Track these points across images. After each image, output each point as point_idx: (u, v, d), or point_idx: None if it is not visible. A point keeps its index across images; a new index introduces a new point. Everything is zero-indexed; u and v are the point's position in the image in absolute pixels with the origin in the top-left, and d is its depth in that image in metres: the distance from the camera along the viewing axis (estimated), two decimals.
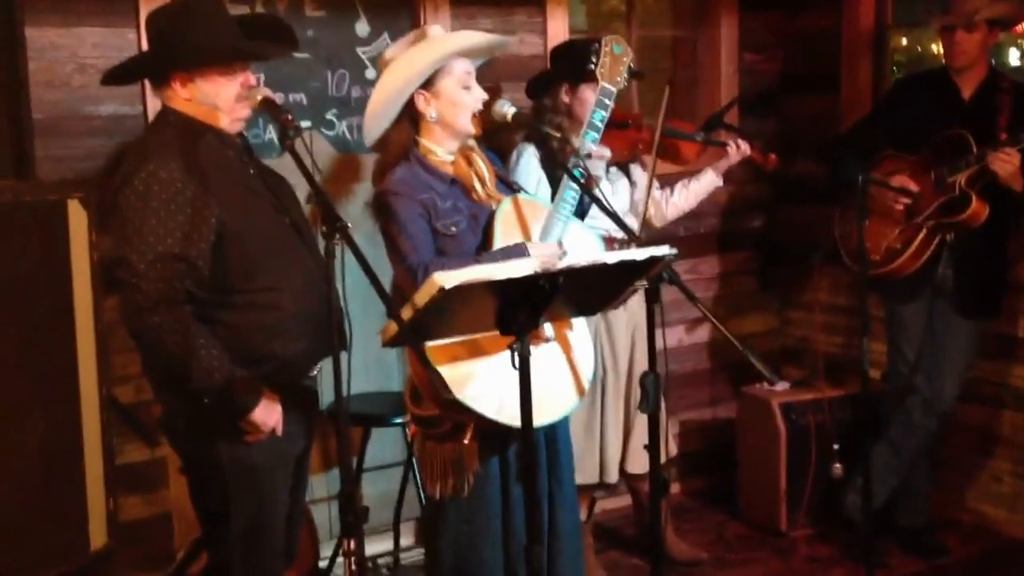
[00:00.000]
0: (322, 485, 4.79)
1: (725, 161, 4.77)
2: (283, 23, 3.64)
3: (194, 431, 3.38)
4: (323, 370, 3.59)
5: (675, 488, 5.69)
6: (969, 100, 4.83)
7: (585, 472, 4.56)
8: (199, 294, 3.22)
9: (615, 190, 4.67)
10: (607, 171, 4.62)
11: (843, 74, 5.82)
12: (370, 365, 4.79)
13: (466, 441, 3.48)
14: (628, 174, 4.78)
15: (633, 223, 4.64)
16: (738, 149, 4.73)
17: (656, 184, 4.83)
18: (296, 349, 3.38)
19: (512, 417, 3.36)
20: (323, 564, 4.63)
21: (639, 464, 4.67)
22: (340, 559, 4.47)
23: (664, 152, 4.67)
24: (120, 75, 3.53)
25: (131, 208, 3.18)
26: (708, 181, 4.83)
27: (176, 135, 3.31)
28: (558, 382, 3.57)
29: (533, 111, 4.62)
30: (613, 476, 4.70)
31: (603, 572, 4.88)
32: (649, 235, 4.75)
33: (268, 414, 3.32)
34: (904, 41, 6.22)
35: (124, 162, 3.33)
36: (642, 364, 4.64)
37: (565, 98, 4.55)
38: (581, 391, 3.66)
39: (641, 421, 4.63)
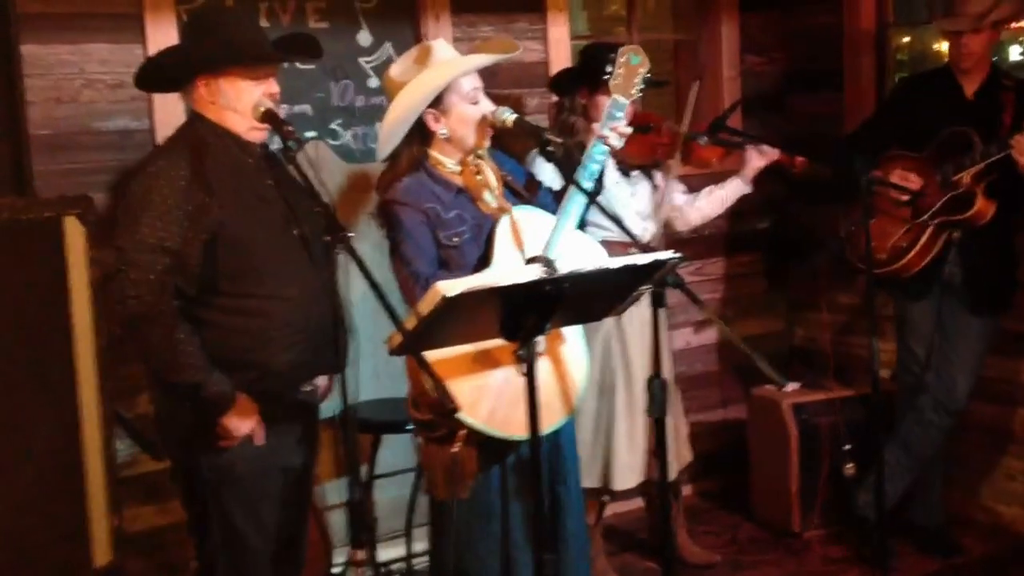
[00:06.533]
0: (335, 492, 4.81)
1: (752, 167, 4.72)
2: (312, 39, 3.70)
3: (179, 434, 3.43)
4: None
5: (687, 490, 5.70)
6: (972, 98, 4.83)
7: (591, 477, 4.59)
8: (187, 290, 3.28)
9: (635, 192, 4.70)
10: (627, 174, 4.65)
11: (846, 73, 5.83)
12: (380, 372, 4.79)
13: (454, 449, 3.49)
14: (651, 177, 4.79)
15: (653, 227, 4.66)
16: (762, 154, 4.68)
17: (683, 188, 4.85)
18: (283, 360, 3.40)
19: (501, 426, 3.43)
20: (337, 571, 4.66)
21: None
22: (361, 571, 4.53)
23: (687, 155, 4.66)
24: (150, 79, 3.57)
25: (133, 198, 3.29)
26: (735, 188, 4.80)
27: (196, 138, 3.38)
28: (549, 395, 3.55)
29: (553, 108, 4.66)
30: (619, 484, 4.70)
31: (615, 575, 4.89)
32: (662, 237, 4.77)
33: (241, 420, 3.34)
34: (907, 39, 6.24)
35: (145, 158, 3.46)
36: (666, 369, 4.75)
37: (582, 100, 4.60)
38: (570, 406, 3.66)
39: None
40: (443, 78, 3.59)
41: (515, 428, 3.37)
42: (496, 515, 3.63)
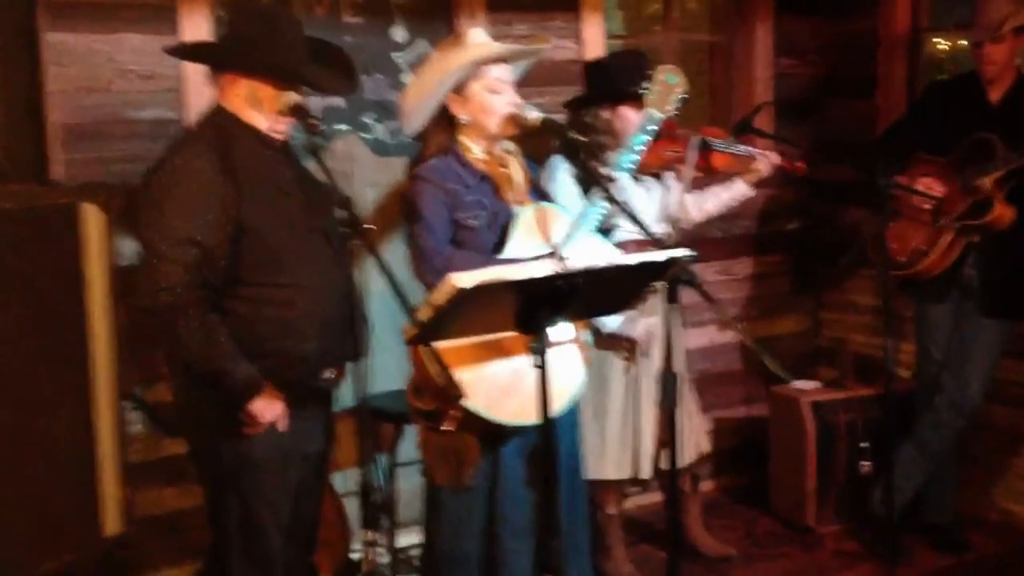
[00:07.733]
0: (354, 479, 4.88)
1: (756, 173, 4.79)
2: (349, 60, 3.73)
3: (200, 418, 3.48)
4: (349, 370, 3.71)
5: (708, 484, 5.74)
6: (997, 104, 4.86)
7: (621, 467, 4.68)
8: (213, 281, 3.30)
9: (649, 200, 4.73)
10: (640, 180, 4.70)
11: (879, 78, 5.86)
12: (400, 363, 4.86)
13: (445, 427, 3.56)
14: (662, 181, 4.83)
15: (664, 228, 4.71)
16: (768, 161, 4.74)
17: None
18: (305, 348, 3.45)
19: (500, 412, 3.50)
20: (356, 556, 4.75)
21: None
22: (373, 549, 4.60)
23: (699, 162, 4.69)
24: (187, 51, 3.74)
25: (160, 192, 3.31)
26: (739, 191, 4.86)
27: (218, 130, 3.43)
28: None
29: (574, 126, 4.65)
30: (646, 472, 4.77)
31: (631, 566, 4.95)
32: (682, 235, 4.80)
33: (267, 407, 3.38)
34: (959, 43, 6.25)
35: (166, 150, 3.45)
36: (678, 363, 4.79)
37: (605, 114, 4.58)
38: (569, 394, 3.73)
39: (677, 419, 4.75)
40: (462, 60, 3.68)
41: (512, 414, 3.47)
42: (483, 502, 3.73)
